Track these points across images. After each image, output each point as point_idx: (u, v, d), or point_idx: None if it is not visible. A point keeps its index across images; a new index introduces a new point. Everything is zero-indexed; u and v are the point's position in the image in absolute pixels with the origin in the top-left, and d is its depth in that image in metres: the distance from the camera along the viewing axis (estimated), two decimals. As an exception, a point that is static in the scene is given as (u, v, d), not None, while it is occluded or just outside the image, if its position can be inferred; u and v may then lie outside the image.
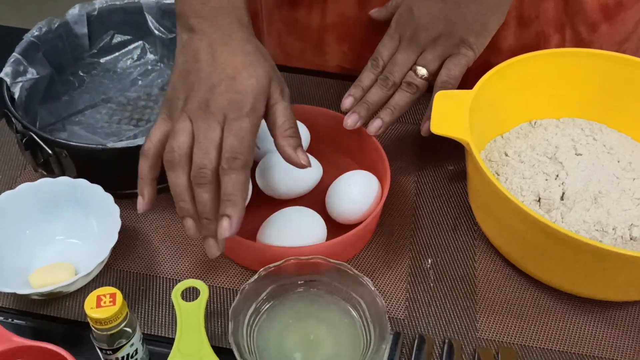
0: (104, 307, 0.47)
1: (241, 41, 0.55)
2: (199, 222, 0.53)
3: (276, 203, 0.65)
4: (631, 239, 0.59)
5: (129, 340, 0.50)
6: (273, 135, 0.56)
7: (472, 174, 0.62)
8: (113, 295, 0.47)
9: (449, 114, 0.60)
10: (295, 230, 0.59)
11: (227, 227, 0.52)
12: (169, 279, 0.61)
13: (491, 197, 0.58)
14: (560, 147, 0.67)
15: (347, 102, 0.67)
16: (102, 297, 0.47)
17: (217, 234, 0.52)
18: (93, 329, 0.48)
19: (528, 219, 0.53)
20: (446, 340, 0.57)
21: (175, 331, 0.52)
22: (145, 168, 0.55)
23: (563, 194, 0.63)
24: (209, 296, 0.58)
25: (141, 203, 0.56)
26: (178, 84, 0.55)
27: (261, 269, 0.55)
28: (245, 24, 0.56)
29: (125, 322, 0.49)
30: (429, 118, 0.65)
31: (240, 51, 0.54)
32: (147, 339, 0.55)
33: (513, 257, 0.61)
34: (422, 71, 0.65)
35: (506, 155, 0.68)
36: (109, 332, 0.48)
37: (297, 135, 0.56)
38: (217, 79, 0.53)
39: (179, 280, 0.59)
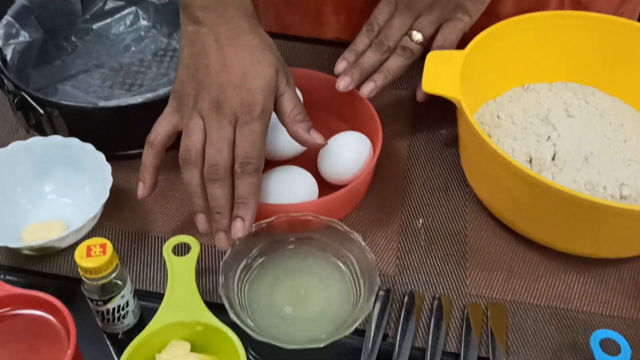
0: (94, 256, 0.47)
1: (248, 35, 0.55)
2: (210, 218, 0.54)
3: (268, 164, 0.65)
4: (621, 197, 0.59)
5: (120, 292, 0.50)
6: (284, 124, 0.57)
7: (463, 133, 0.62)
8: (103, 246, 0.48)
9: (440, 73, 0.60)
10: (286, 188, 0.60)
11: (240, 228, 0.53)
12: (161, 237, 0.61)
13: (482, 155, 0.58)
14: (553, 109, 0.67)
15: (340, 65, 0.67)
16: (92, 247, 0.48)
17: (231, 233, 0.53)
18: (83, 279, 0.48)
19: (519, 174, 0.53)
20: (436, 296, 0.57)
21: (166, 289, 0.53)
22: (149, 156, 0.56)
23: (554, 154, 0.63)
24: (201, 254, 0.58)
25: (142, 189, 0.57)
26: (187, 78, 0.55)
27: (253, 224, 0.55)
28: (250, 13, 0.56)
29: (115, 273, 0.49)
30: None
31: (247, 47, 0.55)
32: (138, 294, 0.55)
33: (504, 215, 0.61)
34: (418, 36, 0.65)
35: (498, 117, 0.68)
36: (99, 282, 0.48)
37: (307, 118, 0.57)
38: (227, 78, 0.53)
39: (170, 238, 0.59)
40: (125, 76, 0.76)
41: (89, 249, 0.47)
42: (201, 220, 0.55)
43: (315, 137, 0.57)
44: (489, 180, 0.60)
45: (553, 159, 0.62)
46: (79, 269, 0.48)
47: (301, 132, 0.57)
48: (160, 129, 0.56)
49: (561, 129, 0.65)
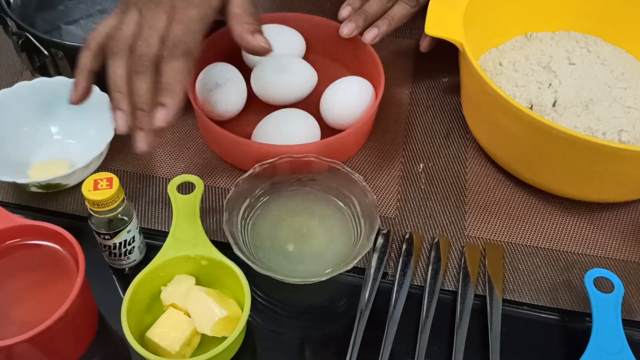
0: (101, 189, 0.48)
1: None
2: (132, 116, 0.50)
3: (271, 109, 0.66)
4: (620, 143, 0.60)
5: (126, 227, 0.51)
6: (230, 24, 0.54)
7: (465, 78, 0.62)
8: (110, 180, 0.49)
9: (443, 16, 0.60)
10: (289, 130, 0.60)
11: (162, 116, 0.49)
12: (165, 178, 0.62)
13: (483, 98, 0.59)
14: (555, 57, 0.67)
15: (344, 11, 0.67)
16: (99, 180, 0.48)
17: (151, 124, 0.50)
18: (91, 212, 0.49)
19: (519, 116, 0.54)
20: (435, 237, 0.58)
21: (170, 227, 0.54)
22: (85, 58, 0.52)
23: (555, 101, 0.63)
24: (204, 195, 0.59)
25: (73, 94, 0.53)
26: None
27: (256, 165, 0.56)
28: None
29: (121, 208, 0.50)
30: (428, 35, 0.66)
31: None
32: (143, 232, 0.56)
33: (503, 160, 0.62)
34: None
35: (500, 65, 0.68)
36: (107, 216, 0.49)
37: (255, 21, 0.54)
38: None
39: (176, 180, 0.60)
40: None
41: (95, 182, 0.48)
42: (120, 118, 0.50)
43: (259, 39, 0.54)
44: (490, 124, 0.61)
45: (554, 105, 0.63)
46: (86, 202, 0.49)
47: (245, 33, 0.54)
48: (100, 29, 0.52)
49: (562, 76, 0.65)
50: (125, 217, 0.51)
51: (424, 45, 0.67)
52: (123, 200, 0.50)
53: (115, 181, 0.49)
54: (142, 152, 0.50)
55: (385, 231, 0.58)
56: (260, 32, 0.54)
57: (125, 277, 0.55)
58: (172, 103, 0.50)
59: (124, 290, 0.54)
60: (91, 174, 0.58)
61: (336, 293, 0.56)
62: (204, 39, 0.53)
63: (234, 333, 0.46)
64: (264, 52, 0.55)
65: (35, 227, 0.48)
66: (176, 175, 0.62)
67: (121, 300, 0.47)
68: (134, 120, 0.50)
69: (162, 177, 0.62)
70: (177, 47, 0.50)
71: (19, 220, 0.48)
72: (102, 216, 0.49)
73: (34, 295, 0.47)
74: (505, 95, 0.54)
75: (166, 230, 0.58)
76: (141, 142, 0.50)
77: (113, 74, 0.50)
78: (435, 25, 0.60)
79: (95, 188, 0.48)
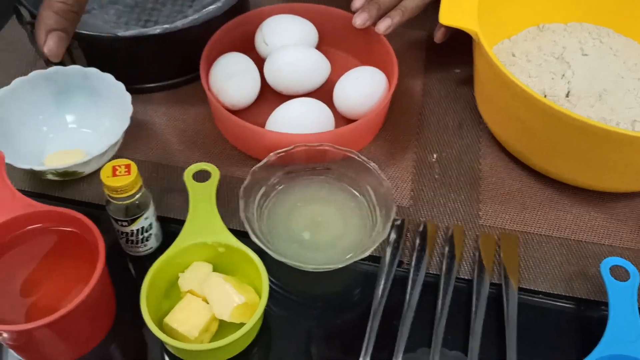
0: (119, 176, 0.48)
1: None
2: None
3: (284, 99, 0.66)
4: (634, 133, 0.60)
5: (143, 214, 0.51)
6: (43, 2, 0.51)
7: (480, 67, 0.62)
8: (128, 166, 0.49)
9: (458, 6, 0.60)
10: (303, 119, 0.60)
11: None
12: (180, 167, 0.62)
13: (497, 87, 0.59)
14: (568, 47, 0.67)
15: (357, 2, 0.67)
16: (117, 167, 0.49)
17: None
18: (109, 198, 0.50)
19: (533, 104, 0.54)
20: (449, 226, 0.58)
21: (186, 215, 0.54)
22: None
23: (568, 92, 0.63)
24: (219, 183, 0.59)
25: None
26: None
27: (271, 153, 0.56)
28: None
29: (139, 195, 0.50)
30: (443, 25, 0.66)
31: None
32: (159, 219, 0.56)
33: (517, 149, 0.62)
34: None
35: (513, 55, 0.68)
36: (125, 202, 0.50)
37: (69, 15, 0.50)
38: None
39: (190, 169, 0.60)
40: (140, 13, 0.76)
41: (114, 168, 0.48)
42: None
43: (49, 44, 0.51)
44: (504, 114, 0.61)
45: (567, 95, 0.63)
46: (104, 188, 0.49)
47: (41, 29, 0.51)
48: None
49: (576, 67, 0.65)
50: (142, 204, 0.51)
51: (438, 36, 0.67)
52: (141, 187, 0.50)
53: (134, 168, 0.49)
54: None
55: (399, 220, 0.58)
56: (59, 33, 0.51)
57: (142, 265, 0.55)
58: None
59: (140, 277, 0.54)
60: (106, 162, 0.59)
61: (351, 281, 0.56)
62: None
63: (253, 318, 0.46)
64: (51, 56, 0.51)
65: (56, 212, 0.48)
66: (191, 164, 0.62)
67: (137, 287, 0.48)
68: None
69: (177, 166, 0.62)
70: None
71: (39, 206, 0.48)
72: (120, 202, 0.50)
73: (53, 280, 0.48)
74: (520, 83, 0.54)
75: (181, 218, 0.58)
76: None
77: None
78: (450, 15, 0.60)
79: (114, 174, 0.48)
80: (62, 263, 0.48)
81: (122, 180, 0.48)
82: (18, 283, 0.47)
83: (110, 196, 0.49)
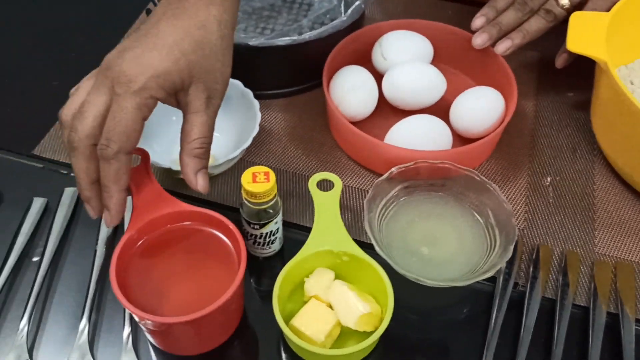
0: (258, 182, 0.51)
1: (194, 19, 0.48)
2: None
3: (399, 113, 0.67)
4: None
5: (274, 219, 0.54)
6: (181, 145, 0.50)
7: (602, 93, 0.62)
8: (267, 174, 0.51)
9: (585, 33, 0.61)
10: (424, 136, 0.62)
11: (109, 220, 0.49)
12: (298, 173, 0.64)
13: (621, 114, 0.58)
14: (688, 78, 0.67)
15: (478, 21, 0.68)
16: (257, 174, 0.51)
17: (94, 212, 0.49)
18: (246, 202, 0.52)
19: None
20: (564, 251, 0.59)
21: (303, 219, 0.58)
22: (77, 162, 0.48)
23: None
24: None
25: (106, 218, 0.49)
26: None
27: (394, 167, 0.58)
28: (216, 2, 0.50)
29: (274, 201, 0.53)
30: (565, 51, 0.66)
31: (182, 32, 0.48)
32: (280, 224, 0.59)
33: (635, 179, 0.62)
34: (564, 1, 0.64)
35: (632, 83, 0.67)
36: (260, 207, 0.52)
37: (205, 156, 0.50)
38: (135, 45, 0.47)
39: (308, 176, 0.63)
40: (257, 20, 0.79)
41: (254, 175, 0.51)
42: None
43: (200, 183, 0.50)
44: (626, 142, 0.60)
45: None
46: (242, 192, 0.51)
47: (188, 169, 0.49)
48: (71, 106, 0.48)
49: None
50: (274, 210, 0.53)
51: (560, 62, 0.67)
52: (276, 194, 0.52)
53: (272, 175, 0.51)
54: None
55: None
56: (205, 170, 0.50)
57: (261, 265, 0.58)
58: (112, 204, 0.48)
59: (259, 277, 0.57)
60: (232, 166, 0.61)
61: (464, 298, 0.57)
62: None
63: (382, 326, 0.48)
64: (200, 192, 0.50)
65: (199, 213, 0.51)
66: (308, 172, 0.64)
67: (252, 286, 0.50)
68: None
69: (294, 172, 0.64)
70: (106, 149, 0.46)
71: (183, 205, 0.51)
72: (256, 207, 0.52)
73: (192, 277, 0.50)
74: (653, 116, 0.54)
75: (298, 222, 0.60)
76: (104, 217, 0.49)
77: (64, 141, 0.49)
78: (578, 42, 0.60)
79: (254, 180, 0.51)
80: (201, 261, 0.51)
81: (262, 187, 0.50)
82: (160, 276, 0.50)
83: (247, 200, 0.52)
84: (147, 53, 0.46)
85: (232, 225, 0.50)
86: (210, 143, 0.50)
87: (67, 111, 0.48)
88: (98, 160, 0.47)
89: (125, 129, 0.46)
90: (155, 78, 0.46)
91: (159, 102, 0.48)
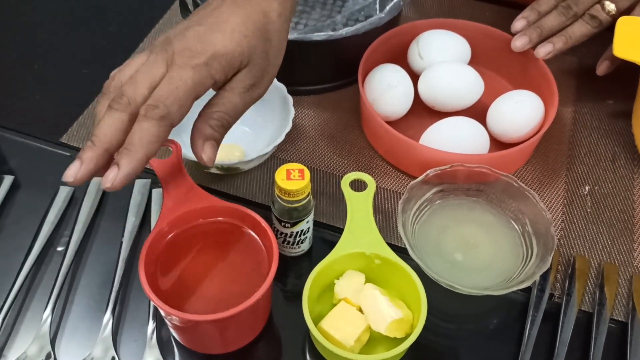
0: (293, 180, 0.49)
1: (258, 8, 0.48)
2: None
3: (434, 114, 0.66)
4: None
5: (306, 218, 0.52)
6: (199, 114, 0.47)
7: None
8: (301, 171, 0.50)
9: (633, 38, 0.59)
10: (460, 139, 0.60)
11: (111, 178, 0.42)
12: (330, 172, 0.63)
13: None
14: None
15: (518, 24, 0.66)
16: (291, 171, 0.50)
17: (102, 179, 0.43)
18: (278, 199, 0.51)
19: None
20: (602, 263, 0.57)
21: (333, 219, 0.56)
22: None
23: None
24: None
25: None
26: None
27: (429, 170, 0.56)
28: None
29: (307, 199, 0.51)
30: (607, 58, 0.64)
31: (244, 16, 0.47)
32: (310, 223, 0.57)
33: (679, 192, 0.60)
34: (611, 6, 0.62)
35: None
36: (293, 205, 0.51)
37: (220, 130, 0.47)
38: (198, 25, 0.46)
39: (339, 176, 0.61)
40: (290, 15, 0.77)
41: (288, 172, 0.50)
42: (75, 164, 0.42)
43: (206, 151, 0.46)
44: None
45: None
46: (276, 189, 0.50)
47: (198, 134, 0.46)
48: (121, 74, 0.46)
49: None
50: (306, 209, 0.52)
51: (602, 68, 0.65)
52: (309, 192, 0.51)
53: (307, 173, 0.50)
54: (106, 189, 0.42)
55: (549, 251, 0.57)
56: (214, 142, 0.47)
57: (289, 265, 0.56)
58: (127, 167, 0.42)
59: (287, 277, 0.56)
60: (262, 162, 0.60)
61: (497, 307, 0.55)
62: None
63: (415, 332, 0.47)
64: (204, 163, 0.46)
65: (231, 209, 0.50)
66: (339, 171, 0.63)
67: (278, 286, 0.49)
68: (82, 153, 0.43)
69: (325, 171, 0.63)
70: (155, 110, 0.43)
71: (216, 200, 0.50)
72: (289, 205, 0.51)
73: (220, 273, 0.49)
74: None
75: (328, 222, 0.59)
76: (70, 175, 0.42)
77: (97, 113, 0.45)
78: (625, 47, 0.58)
79: (288, 177, 0.49)
80: (230, 258, 0.50)
81: (296, 184, 0.49)
82: (187, 271, 0.49)
83: (280, 197, 0.50)
84: (211, 34, 0.46)
85: (264, 223, 0.48)
86: (230, 124, 0.47)
87: (118, 78, 0.45)
88: (130, 128, 0.43)
89: (178, 97, 0.43)
90: (219, 58, 0.45)
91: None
